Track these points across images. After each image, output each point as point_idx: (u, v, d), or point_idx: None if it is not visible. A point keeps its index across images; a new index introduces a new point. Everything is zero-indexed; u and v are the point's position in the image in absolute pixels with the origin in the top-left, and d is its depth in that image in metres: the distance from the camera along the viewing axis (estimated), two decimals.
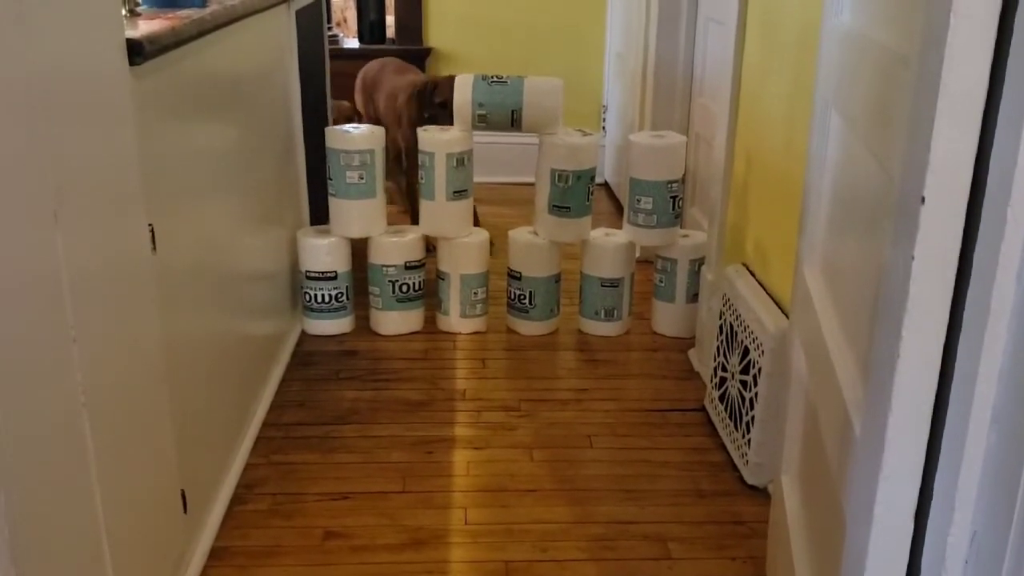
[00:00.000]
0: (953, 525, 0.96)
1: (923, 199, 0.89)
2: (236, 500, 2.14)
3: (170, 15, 1.88)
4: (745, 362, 2.30)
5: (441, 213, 3.01)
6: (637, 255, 3.14)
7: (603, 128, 4.73)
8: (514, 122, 2.97)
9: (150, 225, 1.61)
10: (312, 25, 3.40)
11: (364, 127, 2.96)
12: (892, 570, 1.04)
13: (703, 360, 2.81)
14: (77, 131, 1.33)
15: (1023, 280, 0.86)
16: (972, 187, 0.91)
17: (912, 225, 0.91)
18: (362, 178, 2.91)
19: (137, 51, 1.53)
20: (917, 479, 1.00)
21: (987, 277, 0.88)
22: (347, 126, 2.97)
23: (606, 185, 4.67)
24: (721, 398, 2.48)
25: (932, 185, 0.88)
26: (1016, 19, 0.84)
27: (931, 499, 1.00)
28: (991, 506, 0.92)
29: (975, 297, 0.91)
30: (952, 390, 0.95)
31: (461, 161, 2.97)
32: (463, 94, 2.95)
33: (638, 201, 2.98)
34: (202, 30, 1.91)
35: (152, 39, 1.60)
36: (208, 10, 2.02)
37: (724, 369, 2.47)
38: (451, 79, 3.42)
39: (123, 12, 1.74)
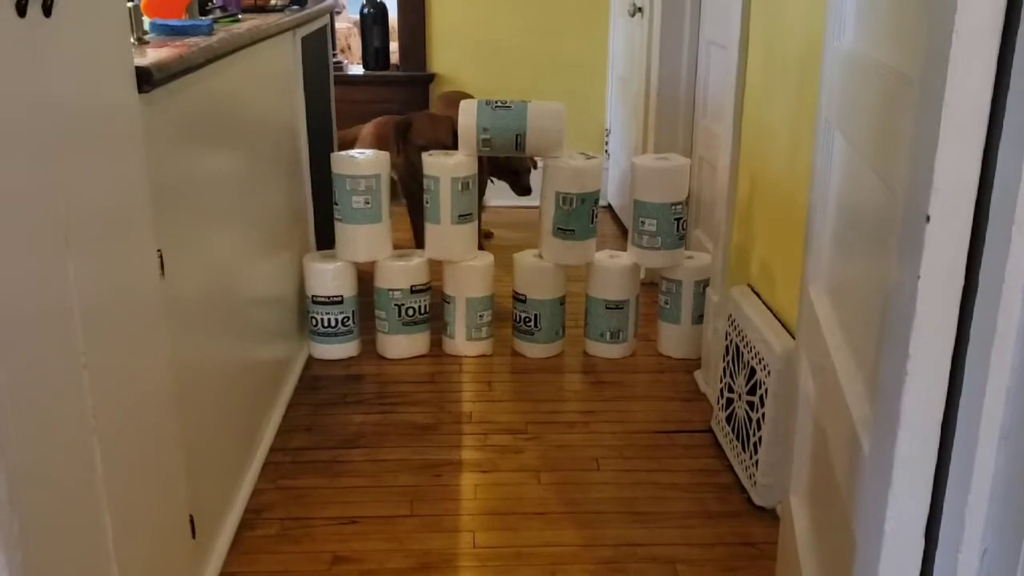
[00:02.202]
0: (963, 543, 0.95)
1: (928, 218, 0.89)
2: (244, 525, 2.14)
3: (178, 43, 1.90)
4: (751, 383, 2.30)
5: (447, 237, 3.02)
6: (642, 277, 3.14)
7: (606, 151, 4.76)
8: (518, 146, 2.99)
9: (159, 251, 1.62)
10: (317, 52, 3.43)
11: (369, 152, 2.98)
12: None
13: (709, 381, 2.80)
14: (87, 159, 1.34)
15: None
16: (976, 205, 0.92)
17: (917, 244, 0.92)
18: (368, 203, 2.93)
19: (146, 79, 1.55)
20: (927, 497, 1.00)
21: (993, 295, 0.88)
22: (353, 151, 2.99)
23: (610, 207, 4.69)
24: (728, 419, 2.48)
25: (936, 204, 0.89)
26: (1018, 37, 0.85)
27: (941, 517, 0.99)
28: (1002, 523, 0.92)
29: (981, 315, 0.91)
30: (960, 407, 0.95)
31: (466, 185, 2.98)
32: (467, 119, 2.97)
33: (642, 223, 2.99)
34: (209, 57, 1.93)
35: (160, 67, 1.62)
36: (215, 38, 2.04)
37: (731, 390, 2.47)
38: (433, 120, 3.43)
39: (131, 40, 1.76)
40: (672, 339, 3.10)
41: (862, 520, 1.13)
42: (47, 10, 1.20)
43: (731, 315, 2.53)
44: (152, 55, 1.71)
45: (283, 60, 2.88)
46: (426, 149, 3.17)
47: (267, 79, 2.68)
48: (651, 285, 3.32)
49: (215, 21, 2.31)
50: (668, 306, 3.08)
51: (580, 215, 2.99)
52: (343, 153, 2.97)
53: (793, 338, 2.06)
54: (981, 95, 0.86)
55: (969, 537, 0.95)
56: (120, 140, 1.48)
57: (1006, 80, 0.85)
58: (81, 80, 1.33)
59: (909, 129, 0.99)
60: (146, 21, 2.06)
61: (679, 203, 2.98)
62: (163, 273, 1.64)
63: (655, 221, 2.97)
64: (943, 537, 0.99)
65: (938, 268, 0.92)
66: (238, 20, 2.51)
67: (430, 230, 3.04)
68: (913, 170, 0.95)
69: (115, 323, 1.43)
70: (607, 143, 4.78)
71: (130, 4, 1.86)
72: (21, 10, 1.13)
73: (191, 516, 1.77)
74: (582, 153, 3.10)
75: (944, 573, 0.99)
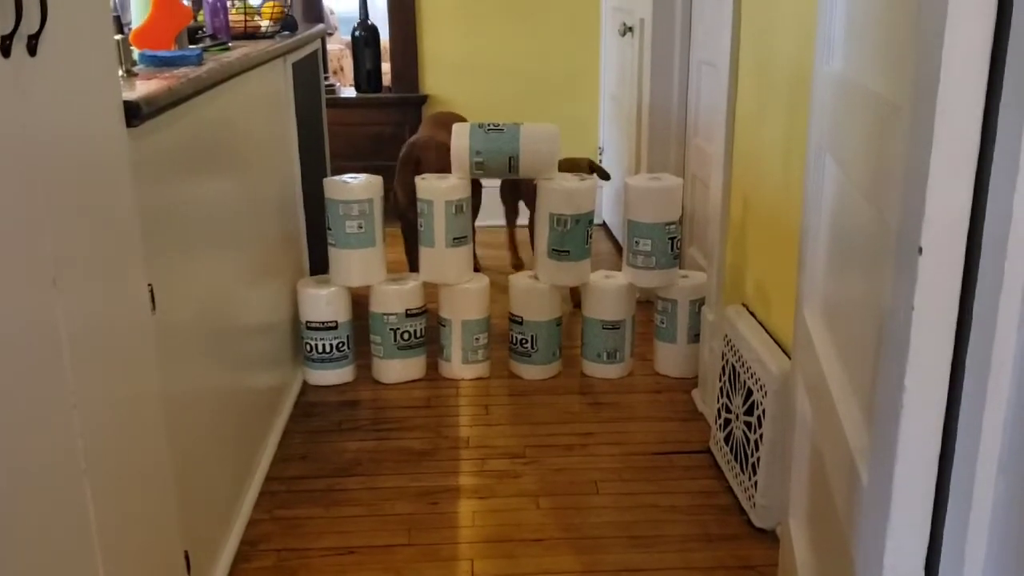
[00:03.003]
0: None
1: (920, 250, 0.89)
2: (240, 558, 2.12)
3: (167, 74, 1.89)
4: (749, 403, 2.29)
5: (441, 260, 3.01)
6: (637, 296, 3.14)
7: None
8: (511, 168, 2.99)
9: (149, 285, 1.61)
10: (309, 76, 3.43)
11: (362, 176, 2.97)
12: None
13: (707, 401, 2.79)
14: (75, 196, 1.33)
15: None
16: (969, 234, 0.91)
17: (911, 276, 0.91)
18: (361, 227, 2.92)
19: (134, 113, 1.54)
20: (926, 530, 0.99)
21: (988, 326, 0.88)
22: (345, 176, 2.98)
23: (605, 225, 4.69)
24: (726, 440, 2.46)
25: (929, 236, 0.88)
26: (1006, 69, 0.85)
27: (941, 550, 0.98)
28: (1002, 557, 0.91)
29: (977, 346, 0.90)
30: (958, 440, 0.94)
31: (460, 208, 2.98)
32: (460, 142, 2.97)
33: (636, 243, 2.99)
34: (199, 88, 1.92)
35: (149, 100, 1.61)
36: (205, 68, 2.04)
37: (728, 410, 2.46)
38: (438, 148, 3.41)
39: (120, 73, 1.76)
40: (669, 358, 3.09)
41: (861, 552, 1.12)
42: (32, 50, 1.19)
43: (727, 335, 2.52)
44: (141, 88, 1.70)
45: (274, 86, 2.88)
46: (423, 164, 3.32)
47: (258, 106, 2.68)
48: (647, 304, 3.31)
49: (205, 50, 2.31)
50: (664, 325, 3.08)
51: (574, 236, 2.98)
52: (335, 178, 2.96)
53: (789, 358, 2.05)
54: (971, 127, 0.85)
55: (969, 571, 0.94)
56: (109, 176, 1.47)
57: (995, 111, 0.85)
58: (68, 118, 1.33)
59: (900, 159, 0.98)
60: (135, 52, 2.06)
61: (673, 223, 2.97)
62: (154, 308, 1.63)
63: (649, 241, 2.96)
64: (943, 570, 0.98)
65: (932, 300, 0.91)
66: (228, 48, 2.51)
67: (424, 253, 3.04)
68: (905, 202, 0.95)
69: (105, 361, 1.42)
70: (600, 162, 4.78)
71: (119, 36, 1.86)
72: (5, 51, 1.13)
73: (186, 551, 1.76)
74: (576, 174, 3.10)
75: None
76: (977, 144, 0.86)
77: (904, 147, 0.97)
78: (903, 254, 0.95)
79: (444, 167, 3.19)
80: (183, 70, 1.98)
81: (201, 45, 2.47)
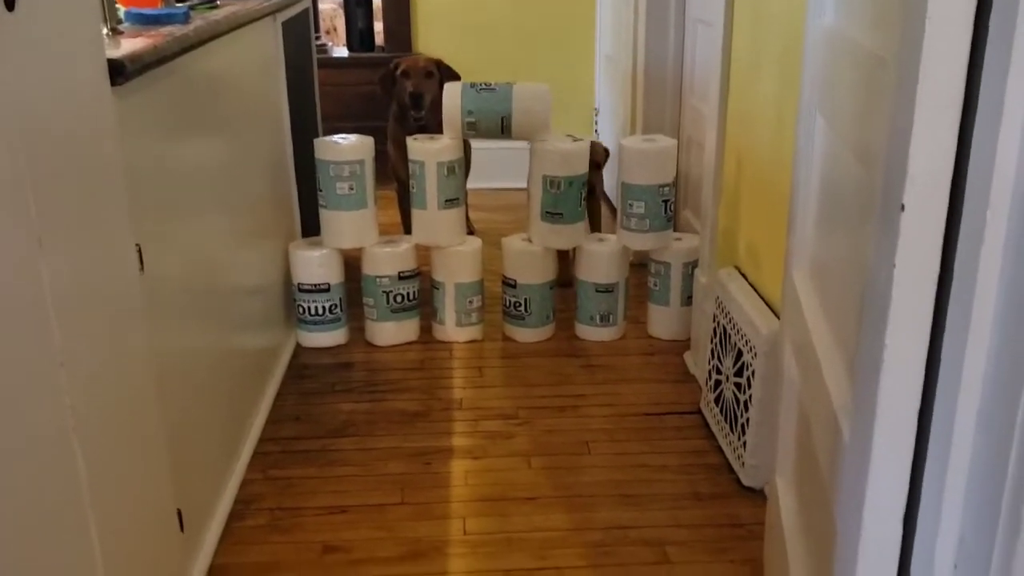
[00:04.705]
0: (941, 530, 0.95)
1: (903, 207, 0.88)
2: (234, 516, 2.14)
3: (152, 32, 1.88)
4: (739, 364, 2.30)
5: (433, 222, 3.00)
6: (630, 259, 3.14)
7: (595, 131, 4.73)
8: (504, 129, 2.97)
9: (137, 245, 1.60)
10: (300, 35, 3.40)
11: (353, 137, 2.95)
12: (882, 574, 1.04)
13: (698, 363, 2.80)
14: (60, 155, 1.32)
15: (1005, 284, 0.86)
16: (952, 190, 0.91)
17: (893, 233, 0.91)
18: (352, 189, 2.91)
19: (119, 71, 1.53)
20: (905, 485, 1.00)
21: (968, 282, 0.87)
22: (336, 137, 2.96)
23: None
24: (716, 400, 2.48)
25: (911, 192, 0.88)
26: (991, 24, 0.84)
27: (919, 504, 0.99)
28: (978, 510, 0.92)
29: (957, 302, 0.90)
30: (937, 395, 0.95)
31: (452, 169, 2.96)
32: (452, 101, 2.95)
33: (630, 206, 2.98)
34: (185, 47, 1.90)
35: (134, 59, 1.59)
36: (192, 26, 2.02)
37: (719, 372, 2.47)
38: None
39: (104, 31, 1.74)
40: (662, 321, 3.10)
41: (842, 506, 1.13)
42: (10, 4, 1.17)
43: (718, 297, 2.52)
44: (125, 46, 1.68)
45: (264, 46, 2.85)
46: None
47: (247, 66, 2.66)
48: (640, 266, 3.30)
49: (192, 8, 2.28)
50: (657, 288, 3.08)
51: (568, 198, 2.97)
52: (326, 139, 2.94)
53: (779, 320, 2.06)
54: (954, 82, 0.85)
55: (946, 525, 0.95)
56: (93, 135, 1.46)
57: (979, 66, 0.84)
58: (50, 75, 1.31)
59: (885, 113, 0.98)
60: (120, 10, 2.03)
61: (666, 185, 2.96)
62: (142, 267, 1.63)
63: (643, 203, 2.96)
64: (921, 524, 0.99)
65: (913, 257, 0.91)
66: (216, 6, 2.48)
67: (417, 215, 3.03)
68: (888, 158, 0.94)
69: (93, 320, 1.42)
70: (596, 123, 4.76)
71: None
72: None
73: (179, 510, 1.77)
74: (569, 135, 3.08)
75: (922, 560, 0.99)
76: (961, 99, 0.85)
77: (889, 102, 0.96)
78: (886, 211, 0.95)
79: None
80: (169, 28, 1.96)
81: (188, 3, 2.44)
